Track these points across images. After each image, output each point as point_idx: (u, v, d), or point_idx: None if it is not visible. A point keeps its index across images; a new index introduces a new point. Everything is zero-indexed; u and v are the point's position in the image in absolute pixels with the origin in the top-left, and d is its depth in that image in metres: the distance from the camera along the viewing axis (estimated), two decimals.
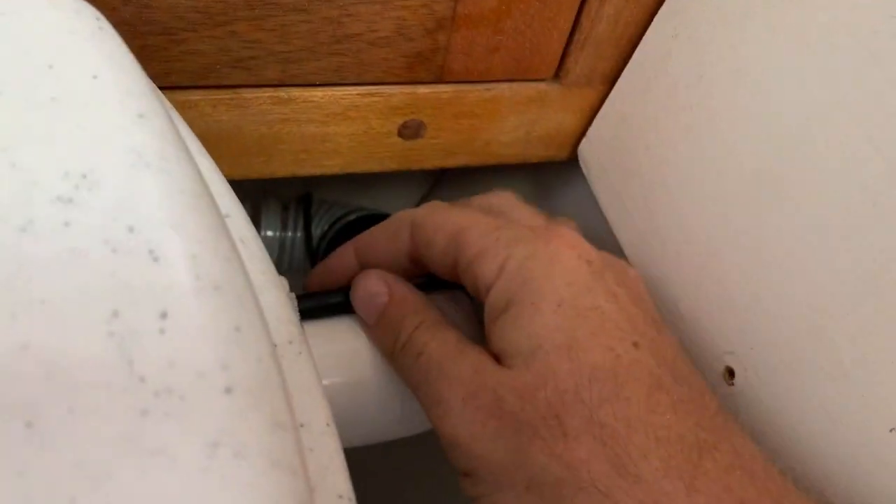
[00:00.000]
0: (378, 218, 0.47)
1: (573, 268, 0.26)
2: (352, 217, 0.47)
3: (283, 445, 0.13)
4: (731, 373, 0.29)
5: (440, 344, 0.27)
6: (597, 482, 0.23)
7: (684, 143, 0.30)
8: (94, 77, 0.17)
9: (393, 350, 0.29)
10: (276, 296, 0.20)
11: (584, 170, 0.37)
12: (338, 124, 0.33)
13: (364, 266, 0.33)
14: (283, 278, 0.32)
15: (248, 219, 0.22)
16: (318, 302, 0.33)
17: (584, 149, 0.37)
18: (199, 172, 0.17)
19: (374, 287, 0.31)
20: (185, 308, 0.14)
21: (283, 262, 0.48)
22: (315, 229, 0.47)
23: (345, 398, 0.32)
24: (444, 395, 0.26)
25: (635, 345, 0.25)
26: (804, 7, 0.25)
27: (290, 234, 0.47)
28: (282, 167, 0.34)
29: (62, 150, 0.15)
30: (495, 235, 0.28)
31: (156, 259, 0.14)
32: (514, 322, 0.26)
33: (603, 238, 0.39)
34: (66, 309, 0.13)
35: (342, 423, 0.32)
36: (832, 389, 0.25)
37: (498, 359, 0.26)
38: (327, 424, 0.19)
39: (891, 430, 0.23)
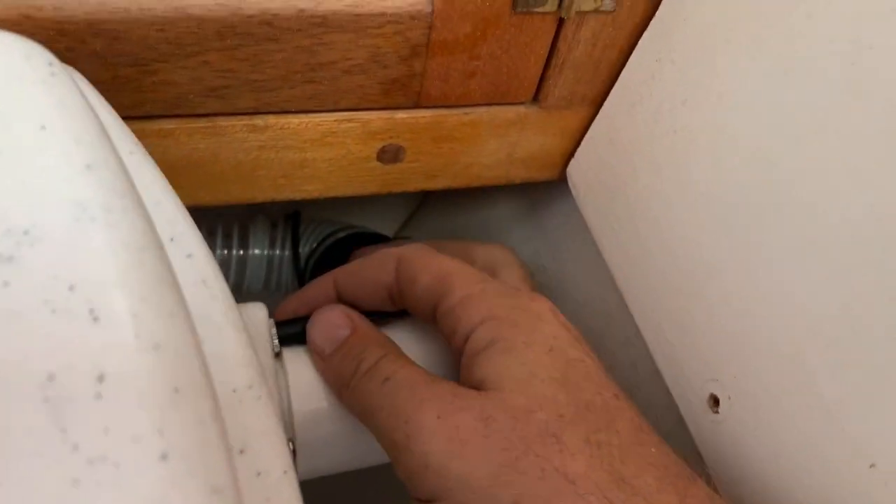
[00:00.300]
0: (366, 236, 0.47)
1: (557, 326, 0.28)
2: (340, 235, 0.47)
3: None
4: (715, 400, 0.29)
5: (410, 372, 0.27)
6: (599, 489, 0.23)
7: (669, 166, 0.30)
8: (42, 128, 0.16)
9: (352, 376, 0.29)
10: (236, 338, 0.20)
11: (573, 190, 0.37)
12: (316, 150, 0.32)
13: (342, 297, 0.33)
14: (261, 304, 0.32)
15: (212, 257, 0.22)
16: (299, 328, 0.33)
17: (573, 170, 0.37)
18: (149, 223, 0.17)
19: (337, 319, 0.31)
20: (124, 370, 0.14)
21: (271, 281, 0.48)
22: (303, 247, 0.47)
23: (327, 423, 0.32)
24: (415, 415, 0.25)
25: (616, 396, 0.26)
26: (784, 35, 0.25)
27: (278, 252, 0.47)
28: (261, 193, 0.34)
29: (4, 205, 0.15)
30: (482, 286, 0.29)
31: (96, 319, 0.14)
32: (504, 353, 0.26)
33: (591, 259, 0.39)
34: (1, 374, 0.13)
35: (326, 448, 0.32)
36: (813, 423, 0.25)
37: (477, 389, 0.26)
38: (284, 472, 0.18)
39: (871, 467, 0.23)
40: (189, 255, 0.21)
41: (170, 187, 0.23)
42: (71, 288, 0.14)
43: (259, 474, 0.18)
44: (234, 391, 0.19)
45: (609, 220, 0.34)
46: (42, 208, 0.15)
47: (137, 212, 0.17)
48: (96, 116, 0.18)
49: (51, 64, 0.18)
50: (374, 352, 0.29)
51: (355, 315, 0.31)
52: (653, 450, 0.24)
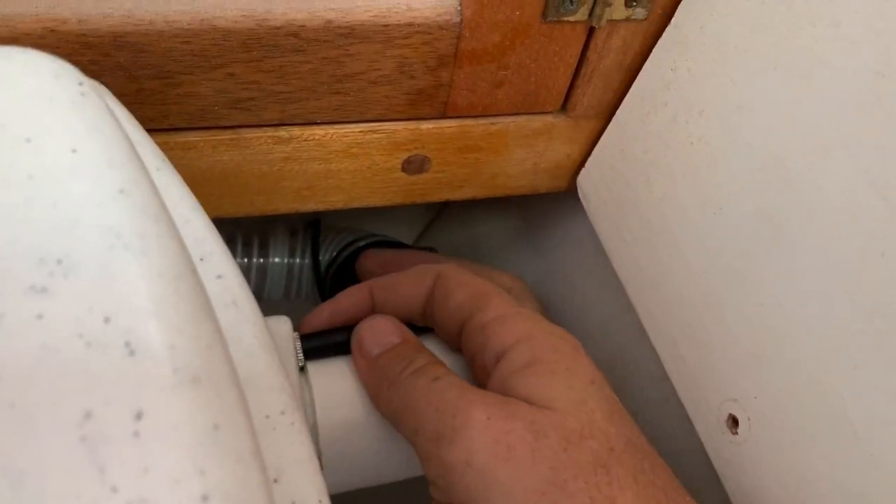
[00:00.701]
0: (386, 244, 0.46)
1: (590, 363, 0.27)
2: (361, 244, 0.46)
3: None
4: (735, 421, 0.28)
5: (458, 378, 0.27)
6: None
7: (685, 178, 0.29)
8: (73, 151, 0.16)
9: (400, 373, 0.28)
10: (267, 362, 0.20)
11: (584, 202, 0.36)
12: (340, 161, 0.32)
13: (379, 307, 0.33)
14: (285, 318, 0.32)
15: (242, 276, 0.21)
16: (324, 341, 0.32)
17: (583, 180, 0.36)
18: (182, 247, 0.16)
19: (389, 326, 0.31)
20: (162, 406, 0.13)
21: (291, 289, 0.47)
22: (323, 255, 0.47)
23: (353, 438, 0.31)
24: (465, 411, 0.25)
25: (648, 441, 0.26)
26: (808, 45, 0.24)
27: (298, 260, 0.47)
28: (284, 204, 0.33)
29: (37, 234, 0.15)
30: (517, 309, 0.29)
31: (132, 352, 0.14)
32: (548, 375, 0.26)
33: (599, 273, 0.38)
34: (36, 413, 0.13)
35: (351, 463, 0.32)
36: (839, 447, 0.24)
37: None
38: (319, 501, 0.18)
39: None
40: (219, 276, 0.20)
41: (198, 204, 0.22)
42: (106, 320, 0.14)
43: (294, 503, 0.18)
44: (268, 417, 0.19)
45: (621, 231, 0.33)
46: (75, 236, 0.15)
47: (171, 236, 0.16)
48: (126, 136, 0.18)
49: (80, 83, 0.18)
50: (425, 356, 0.29)
51: (404, 327, 0.31)
52: (688, 498, 0.25)
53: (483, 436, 0.24)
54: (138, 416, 0.13)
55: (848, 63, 0.23)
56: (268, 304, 0.46)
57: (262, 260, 0.46)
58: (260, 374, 0.19)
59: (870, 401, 0.23)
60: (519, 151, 0.34)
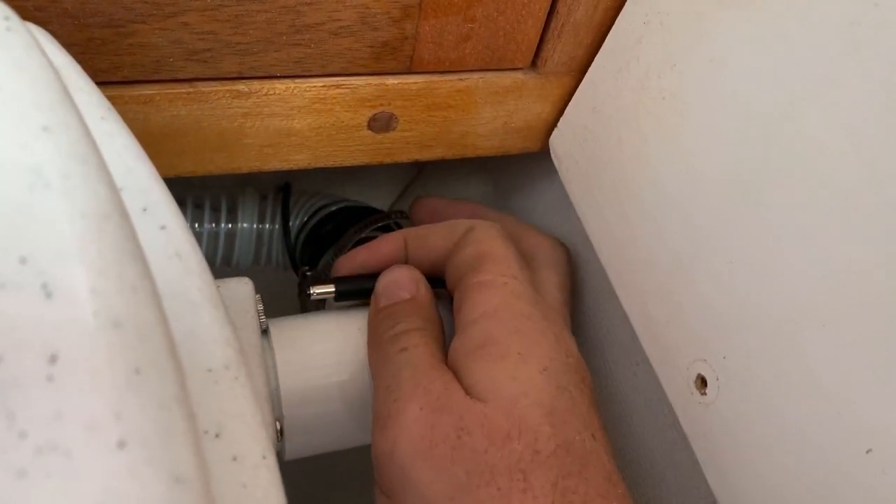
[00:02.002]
0: (359, 209, 0.45)
1: (557, 349, 0.27)
2: (332, 208, 0.45)
3: (182, 501, 0.12)
4: (703, 381, 0.28)
5: (425, 351, 0.27)
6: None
7: (657, 135, 0.29)
8: None
9: (382, 336, 0.29)
10: (212, 315, 0.19)
11: (556, 162, 0.35)
12: (303, 118, 0.31)
13: (411, 258, 0.33)
14: (246, 279, 0.31)
15: (188, 229, 0.20)
16: (354, 286, 0.32)
17: (556, 140, 0.35)
18: (113, 191, 0.15)
19: (405, 280, 0.31)
20: (79, 350, 0.13)
21: (261, 255, 0.46)
22: (294, 221, 0.46)
23: (316, 402, 0.31)
24: (405, 396, 0.25)
25: (594, 437, 0.25)
26: None
27: (268, 226, 0.46)
28: (246, 162, 0.32)
29: None
30: (505, 279, 0.28)
31: (49, 294, 0.13)
32: (497, 361, 0.26)
33: (573, 234, 0.38)
34: None
35: (314, 428, 0.31)
36: (806, 406, 0.24)
37: (466, 392, 0.25)
38: (263, 457, 0.17)
39: (868, 452, 0.22)
40: (163, 227, 0.20)
41: (144, 155, 0.21)
42: (22, 261, 0.13)
43: (235, 459, 0.17)
44: (210, 371, 0.18)
45: (593, 191, 0.33)
46: None
47: (100, 179, 0.15)
48: (58, 78, 0.17)
49: (7, 18, 0.17)
50: (412, 321, 0.29)
51: (423, 284, 0.31)
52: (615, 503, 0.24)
53: (410, 427, 0.24)
54: (52, 359, 0.12)
55: (822, 13, 0.22)
56: (237, 271, 0.45)
57: (230, 225, 0.45)
58: (204, 327, 0.18)
59: (837, 359, 0.22)
60: (488, 109, 0.33)
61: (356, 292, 0.32)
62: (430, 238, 0.32)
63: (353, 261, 0.34)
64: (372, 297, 0.31)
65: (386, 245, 0.33)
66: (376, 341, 0.29)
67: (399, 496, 0.23)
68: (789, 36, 0.23)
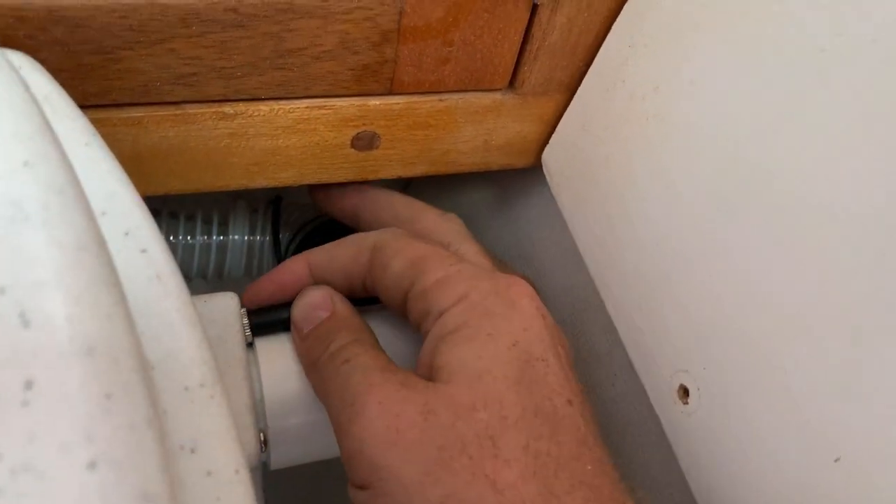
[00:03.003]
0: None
1: (531, 316, 0.27)
2: (321, 220, 0.46)
3: None
4: (685, 391, 0.28)
5: (369, 358, 0.27)
6: (523, 502, 0.22)
7: (641, 154, 0.30)
8: None
9: (318, 359, 0.29)
10: (188, 335, 0.20)
11: (547, 177, 0.36)
12: (288, 137, 0.32)
13: (318, 278, 0.33)
14: (232, 294, 0.32)
15: (169, 252, 0.21)
16: (270, 318, 0.32)
17: (547, 156, 0.36)
18: (91, 220, 0.16)
19: (318, 300, 0.31)
20: (54, 376, 0.13)
21: (252, 267, 0.47)
22: (284, 233, 0.47)
23: (300, 413, 0.31)
24: (360, 398, 0.25)
25: (569, 402, 0.25)
26: (756, 20, 0.25)
27: (258, 237, 0.47)
28: (234, 180, 0.33)
29: None
30: (457, 267, 0.28)
31: (26, 323, 0.14)
32: (465, 343, 0.26)
33: (565, 247, 0.38)
34: None
35: (298, 438, 0.32)
36: (780, 415, 0.24)
37: (433, 377, 0.26)
38: (236, 471, 0.18)
39: (836, 461, 0.23)
40: (143, 250, 0.21)
41: (127, 180, 0.22)
42: (1, 291, 0.14)
43: (209, 474, 0.18)
44: (186, 389, 0.19)
45: (583, 206, 0.34)
46: None
47: (78, 209, 0.16)
48: (38, 108, 0.18)
49: None
50: (344, 336, 0.29)
51: (338, 298, 0.31)
52: (589, 467, 0.24)
53: (374, 423, 0.24)
54: (28, 385, 0.13)
55: (793, 38, 0.23)
56: (228, 282, 0.46)
57: (222, 237, 0.46)
58: (180, 349, 0.19)
59: (807, 370, 0.23)
60: (469, 128, 0.34)
61: (272, 323, 0.32)
62: (336, 259, 0.32)
63: (259, 295, 0.33)
64: (292, 326, 0.32)
65: (287, 273, 0.33)
66: (314, 365, 0.29)
67: (375, 487, 0.24)
68: (762, 60, 0.24)
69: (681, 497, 0.31)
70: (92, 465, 0.13)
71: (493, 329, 0.26)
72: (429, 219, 0.35)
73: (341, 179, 0.35)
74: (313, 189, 0.40)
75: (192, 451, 0.18)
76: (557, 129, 0.35)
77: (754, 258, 0.25)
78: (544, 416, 0.24)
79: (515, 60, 0.32)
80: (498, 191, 0.47)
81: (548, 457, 0.23)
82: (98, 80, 0.28)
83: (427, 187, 0.51)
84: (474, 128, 0.34)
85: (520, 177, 0.42)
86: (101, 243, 0.16)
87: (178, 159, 0.31)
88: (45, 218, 0.15)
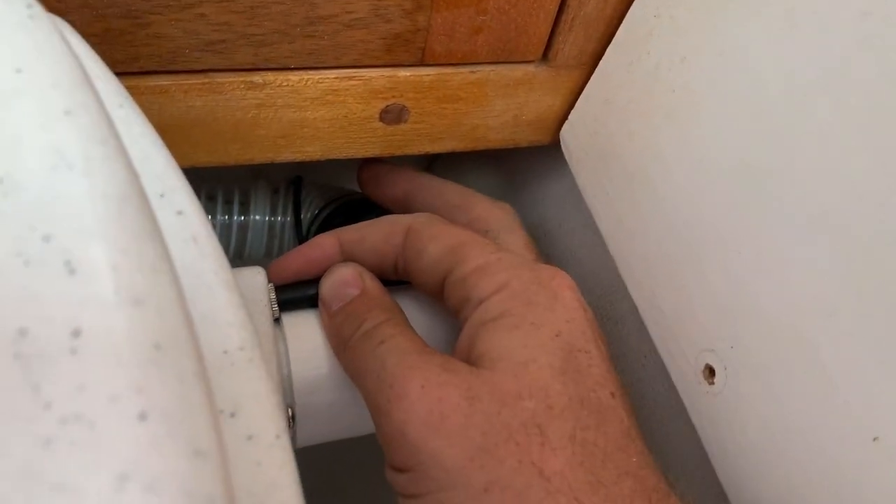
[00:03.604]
0: (369, 202, 0.46)
1: (573, 308, 0.27)
2: (343, 201, 0.46)
3: (201, 474, 0.12)
4: (711, 371, 0.28)
5: (405, 339, 0.27)
6: (572, 490, 0.22)
7: (667, 128, 0.29)
8: (18, 71, 0.16)
9: (350, 337, 0.28)
10: (227, 298, 0.19)
11: (566, 154, 0.36)
12: (316, 109, 0.31)
13: (348, 257, 0.32)
14: (259, 269, 0.31)
15: (204, 215, 0.21)
16: (297, 294, 0.32)
17: (566, 132, 0.36)
18: (132, 173, 0.16)
19: (348, 277, 0.30)
20: (101, 325, 0.13)
21: (273, 247, 0.47)
22: (305, 213, 0.46)
23: (328, 390, 0.31)
24: (401, 380, 0.25)
25: (612, 395, 0.25)
26: None
27: (279, 218, 0.46)
28: (260, 153, 0.33)
29: None
30: (497, 255, 0.28)
31: (72, 271, 0.13)
32: (509, 331, 0.26)
33: (580, 229, 0.38)
34: None
35: (325, 415, 0.32)
36: (813, 395, 0.24)
37: (474, 363, 0.25)
38: (277, 436, 0.18)
39: (875, 440, 0.22)
40: (179, 212, 0.20)
41: (161, 142, 0.22)
42: (46, 239, 0.13)
43: (250, 438, 0.17)
44: (225, 353, 0.18)
45: (603, 183, 0.33)
46: (16, 156, 0.14)
47: (120, 161, 0.16)
48: (79, 64, 0.17)
49: (30, 6, 0.17)
50: (377, 315, 0.28)
51: (368, 276, 0.31)
52: (634, 459, 0.24)
53: (416, 407, 0.24)
54: (76, 333, 0.13)
55: (833, 4, 0.22)
56: (248, 263, 0.45)
57: (243, 218, 0.46)
58: (218, 309, 0.19)
59: (845, 347, 0.23)
60: (499, 102, 0.33)
61: (299, 300, 0.32)
62: (367, 239, 0.32)
63: (286, 270, 0.33)
64: (320, 303, 0.31)
65: (318, 249, 0.32)
66: (345, 345, 0.29)
67: (416, 471, 0.23)
68: (800, 29, 0.24)
69: (710, 482, 0.31)
70: (142, 417, 0.12)
71: (536, 318, 0.26)
72: (481, 206, 0.34)
73: (368, 154, 0.34)
74: (361, 174, 0.40)
75: (232, 414, 0.18)
76: (577, 104, 0.35)
77: (787, 232, 0.24)
78: (590, 407, 0.24)
79: (550, 31, 0.31)
80: (516, 171, 0.46)
81: (594, 446, 0.23)
82: (125, 45, 0.27)
83: (452, 168, 0.50)
84: (505, 102, 0.34)
85: (538, 155, 0.41)
86: (143, 196, 0.16)
87: (204, 130, 0.31)
88: (88, 167, 0.15)
